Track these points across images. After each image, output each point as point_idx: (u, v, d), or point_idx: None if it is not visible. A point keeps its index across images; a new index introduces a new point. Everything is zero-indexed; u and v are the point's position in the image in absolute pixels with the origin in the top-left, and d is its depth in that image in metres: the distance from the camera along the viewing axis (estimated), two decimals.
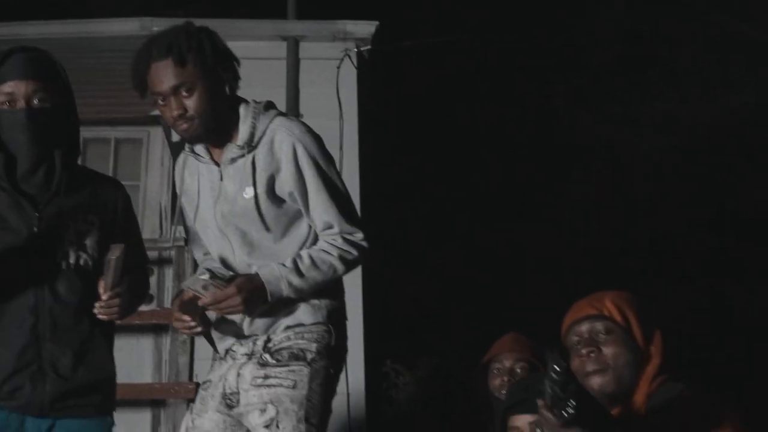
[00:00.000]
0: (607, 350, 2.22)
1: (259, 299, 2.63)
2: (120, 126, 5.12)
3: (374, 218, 4.76)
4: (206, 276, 2.66)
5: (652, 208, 7.35)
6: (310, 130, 2.76)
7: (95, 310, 2.55)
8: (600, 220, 7.21)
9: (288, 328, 2.72)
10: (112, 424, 2.69)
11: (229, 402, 2.74)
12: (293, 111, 4.92)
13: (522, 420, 2.42)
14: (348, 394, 4.32)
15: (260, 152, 2.72)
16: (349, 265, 2.71)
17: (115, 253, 2.52)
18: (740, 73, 7.37)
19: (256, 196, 2.70)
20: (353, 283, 4.50)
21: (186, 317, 2.67)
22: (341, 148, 4.90)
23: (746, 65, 7.36)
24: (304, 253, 2.69)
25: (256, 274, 2.66)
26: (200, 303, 2.63)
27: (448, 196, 6.19)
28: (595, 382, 2.17)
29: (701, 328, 6.47)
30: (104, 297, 2.53)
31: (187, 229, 2.92)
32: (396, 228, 5.58)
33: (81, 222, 2.65)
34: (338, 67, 5.07)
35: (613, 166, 7.57)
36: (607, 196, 7.36)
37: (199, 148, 2.79)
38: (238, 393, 2.72)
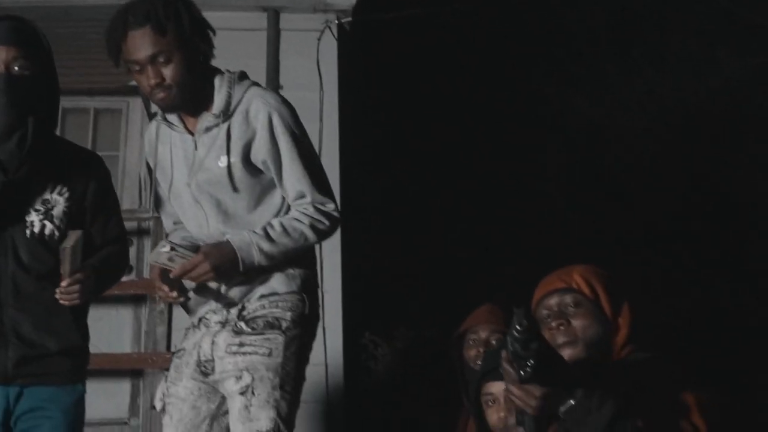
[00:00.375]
0: (576, 322, 2.24)
1: (231, 266, 2.65)
2: (99, 96, 5.09)
3: (354, 189, 4.78)
4: (167, 248, 2.66)
5: (634, 186, 7.38)
6: (285, 101, 2.80)
7: (56, 295, 2.56)
8: (582, 196, 7.25)
9: (262, 296, 2.76)
10: (83, 392, 2.71)
11: (204, 369, 2.77)
12: (273, 82, 4.91)
13: (496, 387, 2.46)
14: (326, 365, 4.36)
15: (236, 121, 2.74)
16: (320, 235, 2.75)
17: (69, 241, 2.55)
18: (725, 53, 7.39)
19: (231, 164, 2.72)
20: (332, 254, 4.53)
21: (165, 287, 2.69)
22: (321, 119, 4.90)
23: (731, 45, 7.38)
24: (275, 221, 2.72)
25: (227, 242, 2.68)
26: (171, 275, 2.64)
27: (429, 169, 6.20)
28: (566, 353, 2.19)
29: (678, 302, 6.54)
30: (63, 284, 2.55)
31: (158, 198, 2.93)
32: (375, 199, 5.59)
33: (50, 192, 2.66)
34: (319, 39, 5.05)
35: (596, 144, 7.60)
36: (589, 172, 7.40)
37: (173, 117, 2.80)
38: (212, 360, 2.75)
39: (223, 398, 2.78)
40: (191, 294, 2.83)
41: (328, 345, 4.35)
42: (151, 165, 2.93)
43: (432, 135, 6.67)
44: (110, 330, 4.49)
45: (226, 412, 2.76)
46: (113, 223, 2.78)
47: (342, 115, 4.98)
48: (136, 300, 4.45)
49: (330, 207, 2.77)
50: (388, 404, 4.54)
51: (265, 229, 2.69)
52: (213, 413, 2.80)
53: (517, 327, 1.90)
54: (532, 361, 1.91)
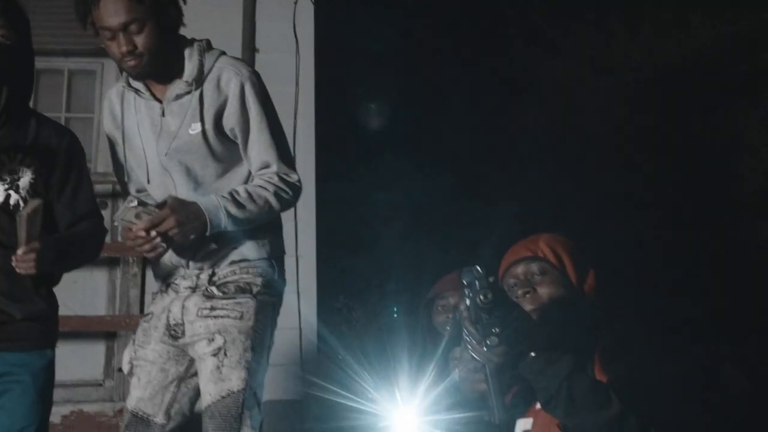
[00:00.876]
0: (542, 290, 2.28)
1: (198, 226, 2.66)
2: (73, 57, 5.05)
3: (328, 153, 4.79)
4: (135, 203, 2.67)
5: (607, 149, 7.43)
6: (255, 71, 2.83)
7: (12, 263, 2.57)
8: (553, 155, 7.29)
9: (233, 263, 2.80)
10: (53, 357, 2.75)
11: (174, 333, 2.81)
12: (249, 45, 4.89)
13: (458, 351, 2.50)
14: (300, 329, 4.40)
15: (207, 89, 2.77)
16: (283, 204, 2.78)
17: (27, 209, 2.55)
18: (698, 20, 7.42)
19: (204, 131, 2.74)
20: (307, 219, 4.56)
21: (142, 236, 2.65)
22: (297, 83, 4.89)
23: (704, 12, 7.41)
24: (240, 187, 2.75)
25: (195, 202, 2.69)
26: (135, 230, 2.62)
27: (403, 130, 6.21)
28: None
29: (650, 259, 6.61)
30: (19, 252, 2.56)
31: (118, 165, 2.91)
32: (350, 163, 5.61)
33: (17, 162, 2.67)
34: (295, 2, 5.03)
35: (570, 106, 7.63)
36: (559, 132, 7.43)
37: (139, 84, 2.81)
38: (182, 324, 2.79)
39: (191, 361, 2.82)
40: (161, 264, 2.88)
41: (303, 309, 4.40)
42: (111, 131, 2.91)
43: (408, 96, 6.67)
44: (85, 292, 4.50)
45: (194, 375, 2.81)
46: (83, 199, 2.79)
47: (318, 78, 4.98)
48: (111, 263, 4.46)
49: (294, 178, 2.80)
50: (360, 367, 4.58)
51: (231, 194, 2.72)
52: (181, 375, 2.84)
53: (481, 297, 1.92)
54: (497, 329, 1.94)
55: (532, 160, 6.98)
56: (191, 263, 2.80)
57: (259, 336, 2.75)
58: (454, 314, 3.45)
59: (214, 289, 2.78)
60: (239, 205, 2.70)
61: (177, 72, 2.77)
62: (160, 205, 2.71)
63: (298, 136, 4.69)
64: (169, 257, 2.84)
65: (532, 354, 1.99)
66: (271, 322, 2.83)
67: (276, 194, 2.75)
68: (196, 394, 2.80)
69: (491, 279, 1.93)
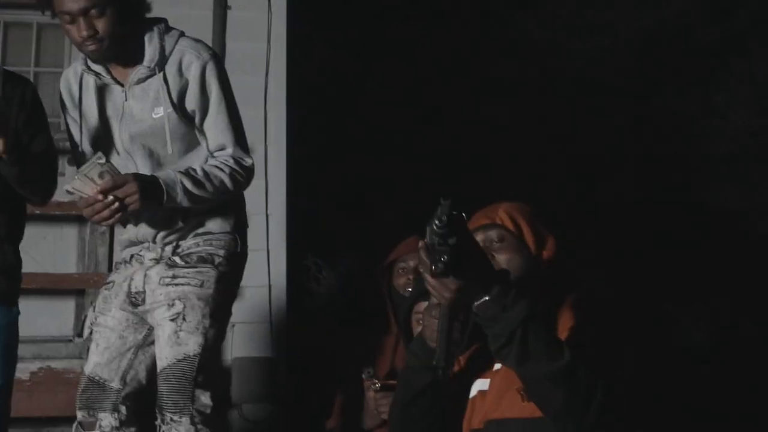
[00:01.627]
0: (501, 256, 2.31)
1: (155, 197, 2.69)
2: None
3: (299, 115, 4.79)
4: (103, 160, 2.68)
5: (583, 111, 7.46)
6: (215, 54, 2.88)
7: None
8: (528, 118, 7.31)
9: (197, 235, 2.87)
10: (17, 314, 2.79)
11: (134, 300, 2.88)
12: (221, 2, 4.84)
13: (425, 305, 2.54)
14: (269, 287, 4.43)
15: (169, 72, 2.80)
16: (236, 186, 2.84)
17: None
18: None
19: (166, 115, 2.78)
20: (277, 178, 4.57)
21: (99, 199, 2.66)
22: (269, 42, 4.86)
23: None
24: (197, 166, 2.80)
25: (153, 175, 2.74)
26: (100, 188, 2.63)
27: (376, 95, 6.21)
28: None
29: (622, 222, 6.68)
30: None
31: (73, 142, 2.94)
32: (322, 124, 5.61)
33: None
34: None
35: (547, 68, 7.64)
36: (539, 96, 7.44)
37: (99, 68, 2.82)
38: (144, 292, 2.86)
39: (150, 330, 2.89)
40: (128, 239, 2.92)
41: (272, 267, 4.43)
42: (68, 110, 2.93)
43: (381, 57, 6.65)
44: (55, 248, 4.50)
45: (151, 343, 2.89)
46: (40, 139, 2.85)
47: (290, 36, 4.92)
48: (81, 220, 4.45)
49: (248, 162, 2.87)
50: (329, 325, 4.64)
51: (188, 171, 2.76)
52: (139, 343, 2.91)
53: (437, 222, 1.86)
54: (446, 257, 1.88)
55: (502, 122, 7.01)
56: (158, 238, 2.87)
57: (218, 305, 2.83)
58: (415, 276, 3.54)
59: (177, 259, 2.85)
60: (196, 182, 2.75)
61: (138, 55, 2.80)
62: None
63: (270, 94, 4.68)
64: (136, 233, 2.90)
65: (487, 298, 1.97)
66: (230, 293, 2.91)
67: (231, 176, 2.80)
68: (153, 362, 2.88)
69: (456, 213, 1.88)
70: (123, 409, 2.87)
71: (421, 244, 1.93)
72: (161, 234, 2.86)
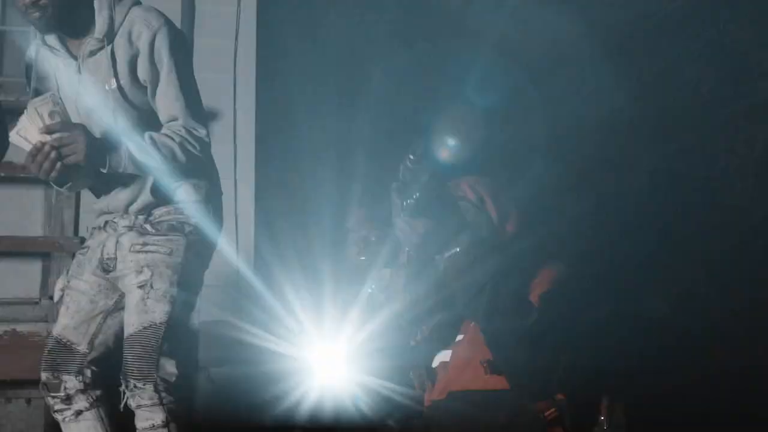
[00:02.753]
0: None
1: (99, 157, 2.67)
2: None
3: (268, 81, 4.76)
4: (57, 101, 2.67)
5: (548, 74, 7.45)
6: (168, 21, 2.84)
7: None
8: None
9: (169, 204, 2.88)
10: None
11: (106, 266, 2.88)
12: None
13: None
14: (238, 252, 4.43)
15: (119, 44, 2.78)
16: (189, 157, 2.80)
17: None
18: None
19: (120, 87, 2.75)
20: (246, 144, 4.55)
21: (45, 140, 2.64)
22: (239, 3, 4.81)
23: None
24: (146, 134, 2.77)
25: (101, 138, 2.72)
26: (47, 126, 2.62)
27: (343, 66, 6.16)
28: None
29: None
30: None
31: None
32: (289, 90, 5.57)
33: None
34: None
35: (516, 42, 7.61)
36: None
37: (53, 41, 2.79)
38: (115, 259, 2.87)
39: (121, 296, 2.90)
40: (99, 200, 2.89)
41: (240, 232, 4.43)
42: (29, 86, 2.90)
43: (351, 25, 6.59)
44: (21, 211, 4.48)
45: (121, 309, 2.90)
46: None
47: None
48: (47, 183, 4.41)
49: (201, 132, 2.83)
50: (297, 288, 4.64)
51: (135, 139, 2.75)
52: (109, 309, 2.92)
53: (410, 157, 1.84)
54: (417, 194, 1.85)
55: (471, 85, 6.97)
56: (130, 210, 2.88)
57: (187, 273, 2.85)
58: (365, 245, 3.60)
59: (148, 226, 2.86)
60: (142, 149, 2.72)
61: (89, 27, 2.77)
62: None
63: (239, 58, 4.64)
64: (107, 203, 2.91)
65: (457, 249, 1.96)
66: (200, 262, 2.90)
67: (181, 145, 2.77)
68: (122, 328, 2.88)
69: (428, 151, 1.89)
70: (88, 372, 2.89)
71: (394, 185, 1.90)
72: (133, 206, 2.86)
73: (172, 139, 2.77)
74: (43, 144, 2.62)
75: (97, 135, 2.78)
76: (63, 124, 2.64)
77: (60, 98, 2.72)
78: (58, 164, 2.64)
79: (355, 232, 3.61)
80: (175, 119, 2.81)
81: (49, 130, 2.60)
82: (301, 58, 5.65)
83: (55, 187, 2.91)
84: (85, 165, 2.67)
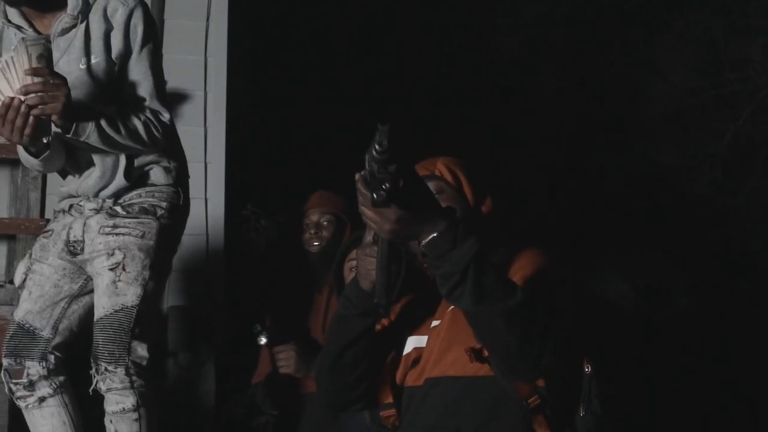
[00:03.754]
0: None
1: (72, 117, 2.58)
2: None
3: (240, 63, 4.70)
4: (50, 45, 2.59)
5: (517, 67, 7.47)
6: (143, 1, 2.80)
7: None
8: (468, 80, 7.30)
9: (140, 187, 2.83)
10: None
11: (72, 249, 2.83)
12: None
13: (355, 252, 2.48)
14: (207, 235, 4.37)
15: (93, 20, 2.73)
16: (151, 139, 2.75)
17: None
18: None
19: (92, 65, 2.71)
20: (217, 126, 4.49)
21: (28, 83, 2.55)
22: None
23: None
24: (113, 108, 2.72)
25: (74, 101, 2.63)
26: (34, 68, 2.53)
27: (315, 46, 6.13)
28: None
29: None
30: None
31: None
32: (261, 72, 5.52)
33: None
34: None
35: (486, 23, 7.61)
36: (474, 57, 7.42)
37: (18, 19, 2.73)
38: (83, 241, 2.81)
39: (86, 280, 2.86)
40: (67, 191, 2.85)
41: (210, 215, 4.37)
42: None
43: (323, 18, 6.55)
44: None
45: (87, 293, 2.86)
46: None
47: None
48: (12, 164, 4.33)
49: (165, 117, 2.80)
50: (267, 275, 4.62)
51: (104, 111, 2.68)
52: (74, 293, 2.87)
53: (377, 146, 1.74)
54: (387, 185, 1.76)
55: (446, 91, 6.98)
56: (101, 195, 2.82)
57: (159, 257, 2.80)
58: (317, 231, 3.60)
59: (118, 208, 2.81)
60: (111, 121, 2.66)
61: (59, 4, 2.71)
62: None
63: (210, 38, 4.57)
64: (76, 187, 2.85)
65: (435, 234, 1.87)
66: (171, 247, 2.87)
67: (146, 126, 2.72)
68: (87, 312, 2.84)
69: (395, 139, 1.77)
70: (51, 358, 2.84)
71: (358, 176, 1.83)
72: (105, 191, 2.81)
73: (138, 118, 2.73)
74: (13, 101, 2.53)
75: None
76: (51, 70, 2.58)
77: (50, 45, 2.65)
78: (31, 119, 2.55)
79: (306, 218, 3.61)
80: (141, 99, 2.77)
81: (35, 73, 2.53)
82: (273, 40, 5.61)
83: (25, 161, 2.83)
84: (59, 124, 2.59)
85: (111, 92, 2.77)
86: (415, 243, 1.97)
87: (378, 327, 2.29)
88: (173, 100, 4.26)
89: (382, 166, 1.76)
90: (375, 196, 1.78)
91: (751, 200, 7.15)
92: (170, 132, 2.83)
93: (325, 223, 3.64)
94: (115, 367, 2.71)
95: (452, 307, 2.19)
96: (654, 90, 6.90)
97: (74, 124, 2.60)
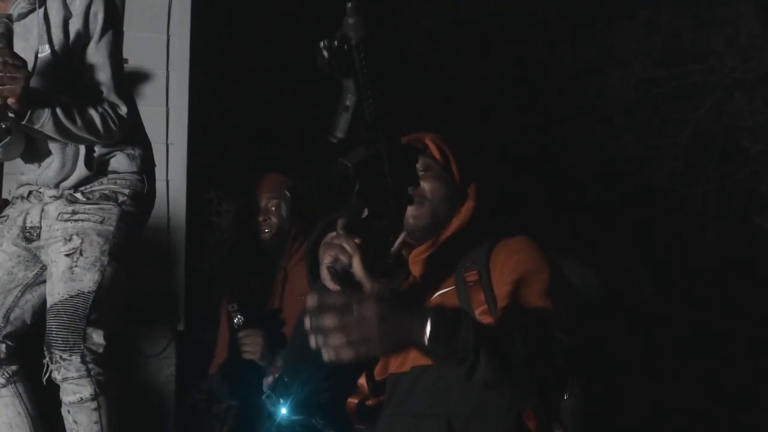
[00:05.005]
0: (425, 184, 2.22)
1: (24, 105, 2.49)
2: None
3: (203, 42, 4.61)
4: (11, 24, 2.52)
5: (482, 57, 7.45)
6: None
7: None
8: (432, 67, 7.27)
9: (101, 174, 2.75)
10: None
11: (28, 235, 2.73)
12: None
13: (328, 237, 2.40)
14: (168, 219, 4.29)
15: (52, 6, 2.62)
16: (107, 131, 2.66)
17: None
18: None
19: (51, 52, 2.59)
20: (179, 108, 4.39)
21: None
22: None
23: None
24: (68, 98, 2.61)
25: (36, 90, 2.55)
26: None
27: (282, 24, 6.04)
28: (412, 213, 2.17)
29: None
30: None
31: None
32: (227, 49, 5.43)
33: None
34: None
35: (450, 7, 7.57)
36: (437, 41, 7.39)
37: None
38: (39, 227, 2.72)
39: (42, 269, 2.76)
40: (24, 176, 2.76)
41: (171, 198, 4.28)
42: None
43: None
44: None
45: (42, 282, 2.75)
46: None
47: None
48: None
49: (123, 110, 2.70)
50: (229, 260, 4.55)
51: (61, 99, 2.58)
52: (28, 282, 2.78)
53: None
54: (391, 259, 1.78)
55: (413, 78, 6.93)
56: (61, 186, 2.73)
57: (119, 243, 2.70)
58: (265, 216, 3.52)
59: (78, 195, 2.71)
60: (66, 110, 2.55)
61: None
62: None
63: (173, 15, 4.47)
64: (36, 178, 2.75)
65: (428, 327, 1.67)
66: (133, 234, 2.77)
67: (102, 117, 2.63)
68: (41, 303, 2.74)
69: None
70: (3, 347, 2.74)
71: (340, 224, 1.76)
72: (66, 182, 2.71)
73: (95, 108, 2.63)
74: None
75: None
76: (12, 51, 2.47)
77: (12, 24, 2.55)
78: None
79: (257, 202, 3.52)
80: (98, 90, 2.68)
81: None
82: (238, 18, 5.51)
83: None
84: (14, 108, 2.47)
85: (68, 82, 2.67)
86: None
87: None
88: (134, 79, 4.16)
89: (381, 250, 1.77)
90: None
91: (707, 191, 7.23)
92: (131, 123, 2.74)
93: (272, 208, 3.54)
94: (70, 355, 2.61)
95: (438, 293, 2.15)
96: (616, 79, 6.91)
97: (29, 111, 2.50)
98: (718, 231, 7.59)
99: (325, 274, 1.88)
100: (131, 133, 2.78)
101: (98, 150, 2.73)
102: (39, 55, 2.62)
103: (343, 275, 1.84)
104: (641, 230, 6.53)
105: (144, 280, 4.18)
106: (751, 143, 6.56)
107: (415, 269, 2.20)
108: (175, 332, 4.31)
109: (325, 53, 1.65)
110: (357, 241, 1.78)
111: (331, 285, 1.86)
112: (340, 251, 1.84)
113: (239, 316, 3.30)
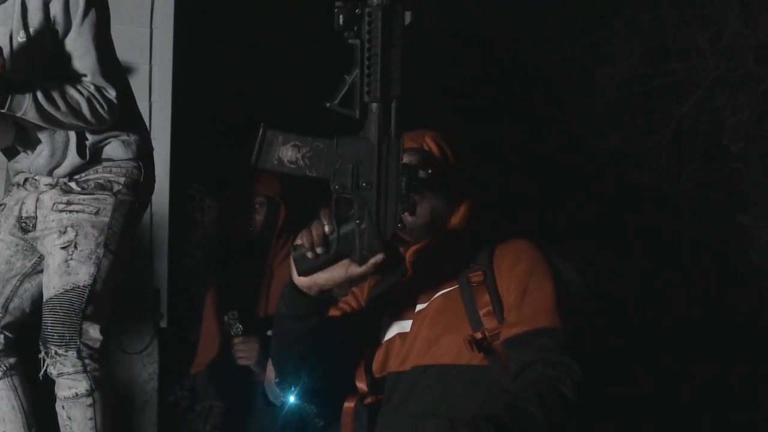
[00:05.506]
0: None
1: (7, 91, 2.45)
2: None
3: (187, 35, 4.58)
4: None
5: (467, 54, 7.44)
6: None
7: None
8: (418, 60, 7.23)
9: (96, 162, 2.70)
10: None
11: (24, 225, 2.70)
12: None
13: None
14: (151, 214, 4.25)
15: None
16: (95, 116, 2.60)
17: None
18: None
19: (31, 37, 2.55)
20: (162, 104, 4.35)
21: None
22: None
23: None
24: (55, 83, 2.56)
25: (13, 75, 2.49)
26: None
27: (266, 18, 5.99)
28: (413, 209, 2.14)
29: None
30: None
31: None
32: (211, 42, 5.39)
33: None
34: None
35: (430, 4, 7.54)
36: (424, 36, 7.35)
37: None
38: (35, 218, 2.68)
39: (40, 258, 2.73)
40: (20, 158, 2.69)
41: (154, 196, 4.23)
42: None
43: None
44: None
45: (40, 272, 2.72)
46: None
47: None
48: None
49: (111, 94, 2.64)
50: (212, 257, 4.53)
51: (44, 84, 2.53)
52: (26, 271, 2.75)
53: None
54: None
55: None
56: (54, 173, 2.69)
57: (115, 234, 2.67)
58: (252, 215, 3.51)
59: (73, 184, 2.67)
60: (48, 96, 2.50)
61: None
62: None
63: (156, 8, 4.42)
64: (29, 165, 2.71)
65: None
66: (130, 223, 2.73)
67: (89, 102, 2.57)
68: (39, 292, 2.70)
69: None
70: (1, 338, 2.71)
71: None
72: (59, 170, 2.67)
73: (81, 93, 2.58)
74: None
75: None
76: None
77: None
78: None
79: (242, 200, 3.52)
80: (83, 74, 2.62)
81: None
82: (223, 11, 5.46)
83: None
84: None
85: (50, 67, 2.62)
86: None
87: (347, 309, 2.23)
88: None
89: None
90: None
91: (688, 188, 7.26)
92: (121, 107, 2.68)
93: (256, 206, 3.53)
94: (66, 351, 2.59)
95: (440, 292, 2.14)
96: (601, 77, 6.91)
97: (9, 98, 2.45)
98: (699, 228, 7.62)
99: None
100: (125, 119, 2.73)
101: (91, 137, 2.68)
102: (20, 40, 2.57)
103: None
104: (624, 227, 6.54)
105: (126, 276, 4.14)
106: (732, 141, 6.59)
107: (412, 267, 2.19)
108: (158, 329, 4.28)
109: (338, 11, 1.63)
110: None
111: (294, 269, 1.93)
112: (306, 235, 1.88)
113: (239, 325, 3.28)
